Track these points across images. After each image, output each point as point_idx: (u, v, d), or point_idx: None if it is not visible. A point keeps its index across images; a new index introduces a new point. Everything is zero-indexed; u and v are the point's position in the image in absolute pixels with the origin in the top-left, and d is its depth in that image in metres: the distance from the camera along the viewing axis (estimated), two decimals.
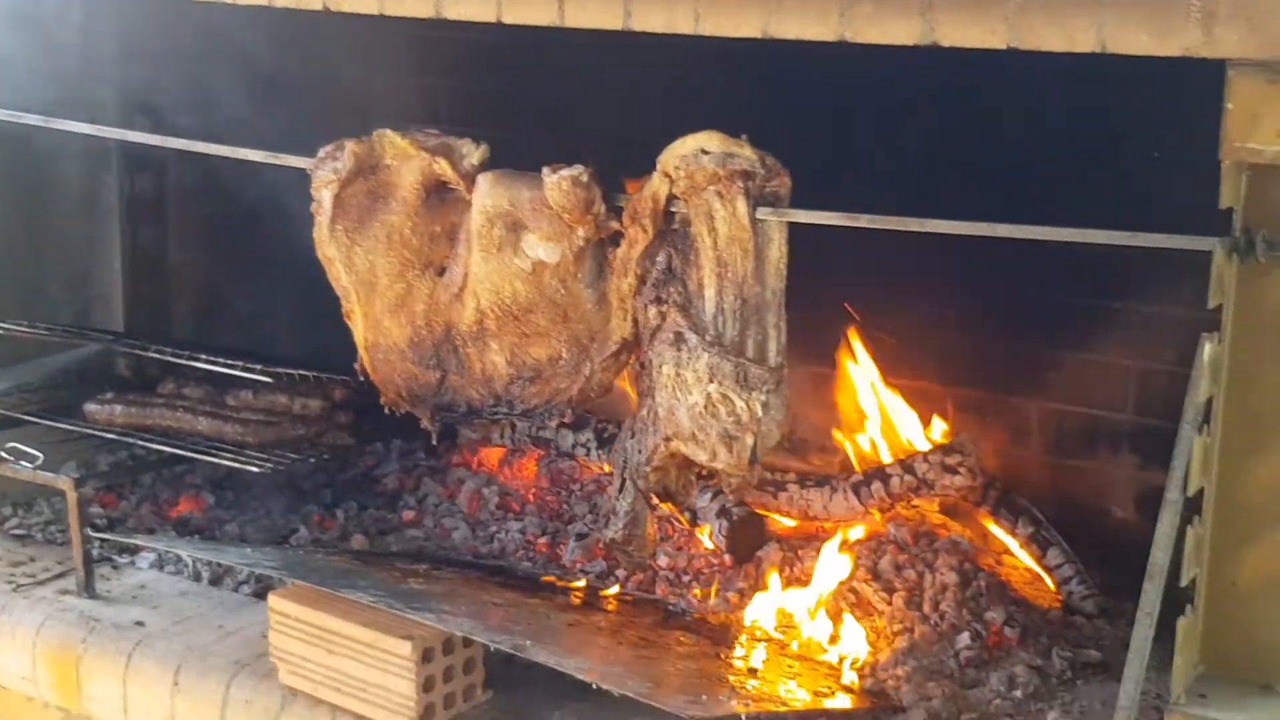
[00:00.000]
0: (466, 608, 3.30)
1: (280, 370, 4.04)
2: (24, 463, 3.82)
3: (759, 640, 3.45)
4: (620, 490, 3.27)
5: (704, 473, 3.24)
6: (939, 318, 3.92)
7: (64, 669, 3.56)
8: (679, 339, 3.05)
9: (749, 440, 3.03)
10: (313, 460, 4.06)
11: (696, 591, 3.70)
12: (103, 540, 3.94)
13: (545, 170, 3.12)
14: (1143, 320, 3.72)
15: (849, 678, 3.31)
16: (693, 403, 3.05)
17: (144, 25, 4.51)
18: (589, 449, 4.27)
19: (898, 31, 2.68)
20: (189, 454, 3.95)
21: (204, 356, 4.09)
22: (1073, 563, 3.70)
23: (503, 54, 4.07)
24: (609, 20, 2.98)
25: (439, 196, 3.31)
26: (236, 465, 3.88)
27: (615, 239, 3.15)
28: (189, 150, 3.68)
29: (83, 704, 3.56)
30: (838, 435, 4.09)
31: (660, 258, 3.08)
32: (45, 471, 3.79)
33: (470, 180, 3.24)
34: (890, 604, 3.55)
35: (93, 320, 4.76)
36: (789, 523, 3.96)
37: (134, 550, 3.97)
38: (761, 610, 3.56)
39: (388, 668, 3.09)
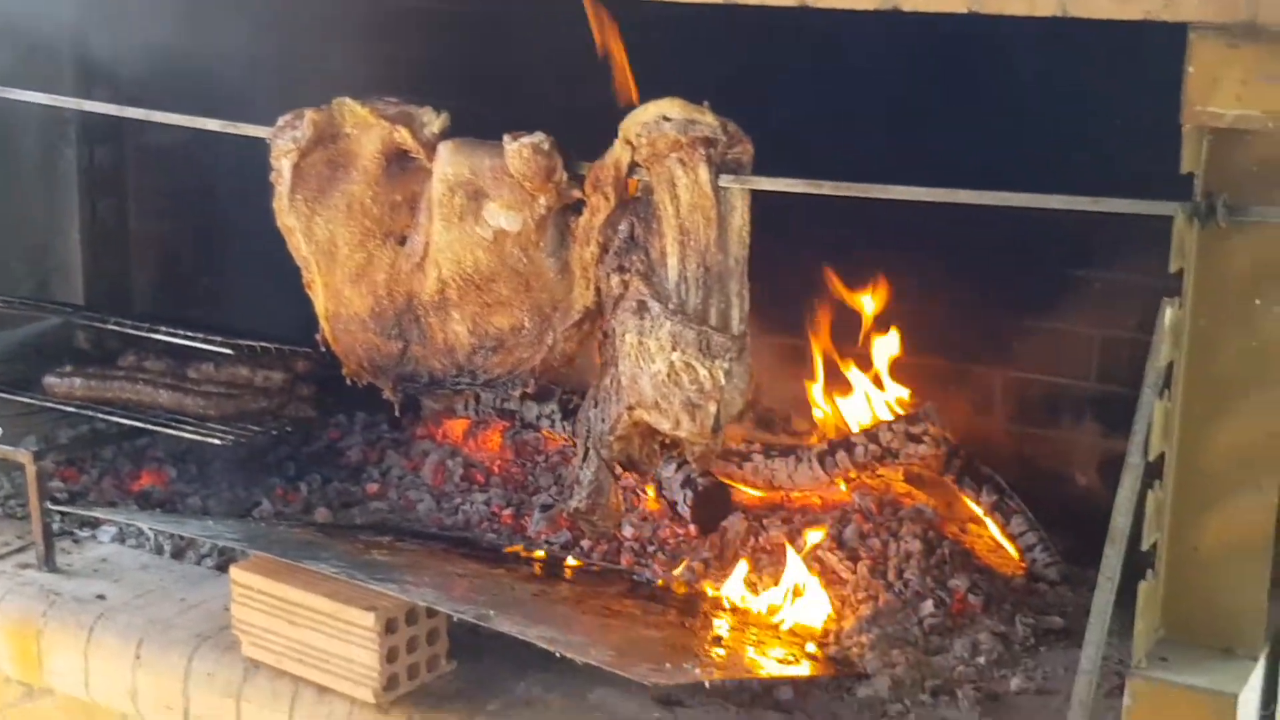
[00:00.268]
0: (430, 579, 3.28)
1: (242, 342, 4.01)
2: None
3: (724, 609, 3.45)
4: (584, 460, 3.26)
5: (667, 442, 3.24)
6: (901, 287, 3.92)
7: (24, 643, 3.53)
8: (642, 307, 3.04)
9: (712, 408, 3.02)
10: (275, 433, 4.04)
11: (685, 567, 3.69)
12: (63, 514, 3.91)
13: (506, 138, 3.10)
14: (1106, 288, 3.73)
15: (813, 646, 3.31)
16: (656, 371, 3.04)
17: None
18: (553, 420, 4.26)
19: None
20: (150, 427, 3.92)
21: (164, 329, 4.05)
22: (1036, 530, 3.71)
23: (456, 21, 4.05)
24: None
25: (400, 165, 3.29)
26: (198, 438, 3.86)
27: (577, 207, 3.13)
28: (148, 120, 3.65)
29: (44, 678, 3.54)
30: (812, 398, 4.08)
31: (622, 226, 3.07)
32: (4, 445, 3.76)
33: (431, 149, 3.22)
34: (855, 572, 3.56)
35: (52, 293, 4.72)
36: (754, 493, 3.96)
37: (95, 524, 3.94)
38: (727, 579, 3.56)
39: (351, 639, 3.08)
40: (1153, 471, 2.57)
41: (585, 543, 3.80)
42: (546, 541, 3.84)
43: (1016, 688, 3.20)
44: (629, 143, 3.01)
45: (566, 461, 4.14)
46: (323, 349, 3.50)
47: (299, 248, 3.37)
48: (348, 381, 3.50)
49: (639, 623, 3.30)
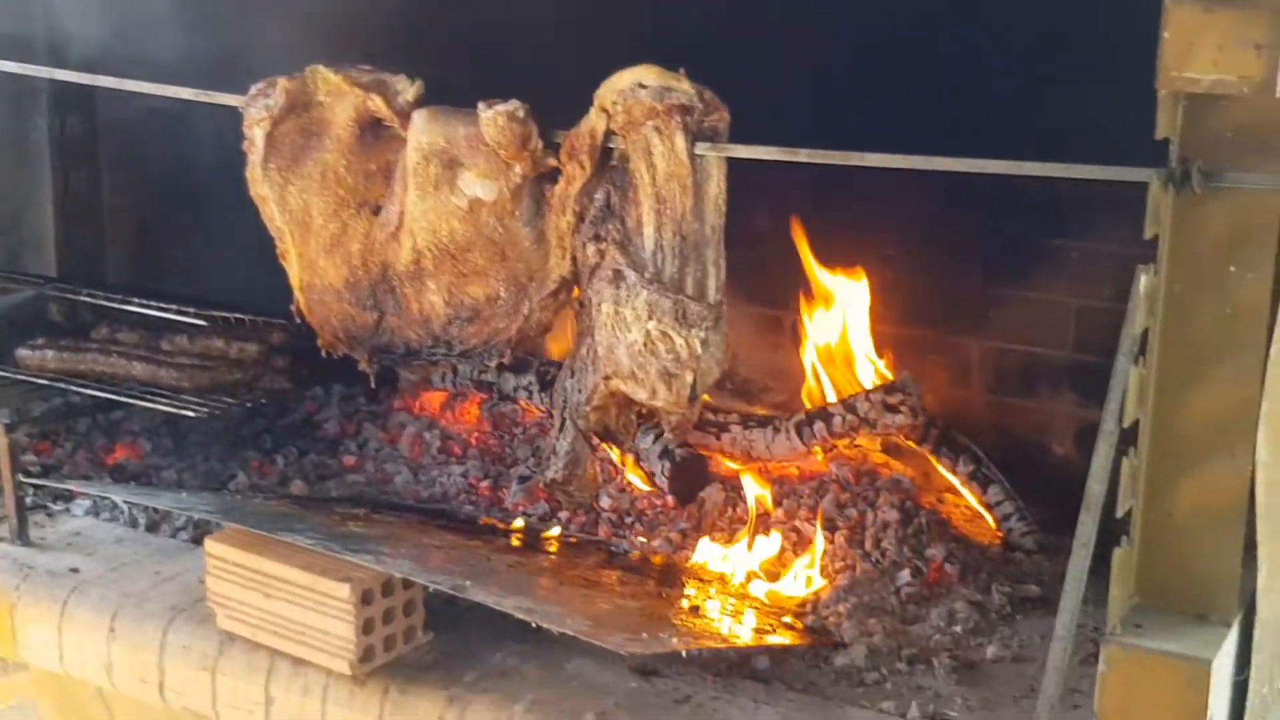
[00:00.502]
0: (406, 550, 3.27)
1: (216, 314, 3.99)
2: None
3: (701, 580, 3.45)
4: (560, 430, 3.25)
5: (644, 412, 3.23)
6: (879, 257, 3.91)
7: None
8: (618, 276, 3.03)
9: (688, 377, 3.02)
10: (250, 405, 4.02)
11: (663, 538, 3.68)
12: (36, 487, 3.89)
13: (481, 106, 3.08)
14: (1082, 257, 3.73)
15: (790, 615, 3.31)
16: (632, 340, 3.04)
17: None
18: (531, 392, 4.26)
19: None
20: (124, 399, 3.90)
21: (138, 301, 4.03)
22: (1013, 500, 3.72)
23: None
24: None
25: (374, 134, 3.28)
26: (172, 410, 3.84)
27: (553, 176, 3.12)
28: (120, 89, 3.62)
29: (18, 651, 3.52)
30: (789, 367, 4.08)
31: (598, 195, 3.06)
32: None
33: (405, 117, 3.21)
34: (832, 542, 3.56)
35: (24, 265, 4.69)
36: (732, 465, 3.96)
37: (69, 497, 3.93)
38: (704, 550, 3.56)
39: (326, 611, 3.06)
40: (1128, 439, 2.56)
41: (563, 514, 3.79)
42: (524, 513, 3.83)
43: (993, 656, 3.21)
44: (605, 110, 2.99)
45: (544, 433, 4.14)
46: (297, 320, 3.49)
47: (273, 218, 3.35)
48: (323, 353, 3.49)
49: (616, 593, 3.30)
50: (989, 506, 3.74)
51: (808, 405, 4.00)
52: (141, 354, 3.98)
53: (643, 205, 3.00)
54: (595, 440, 3.27)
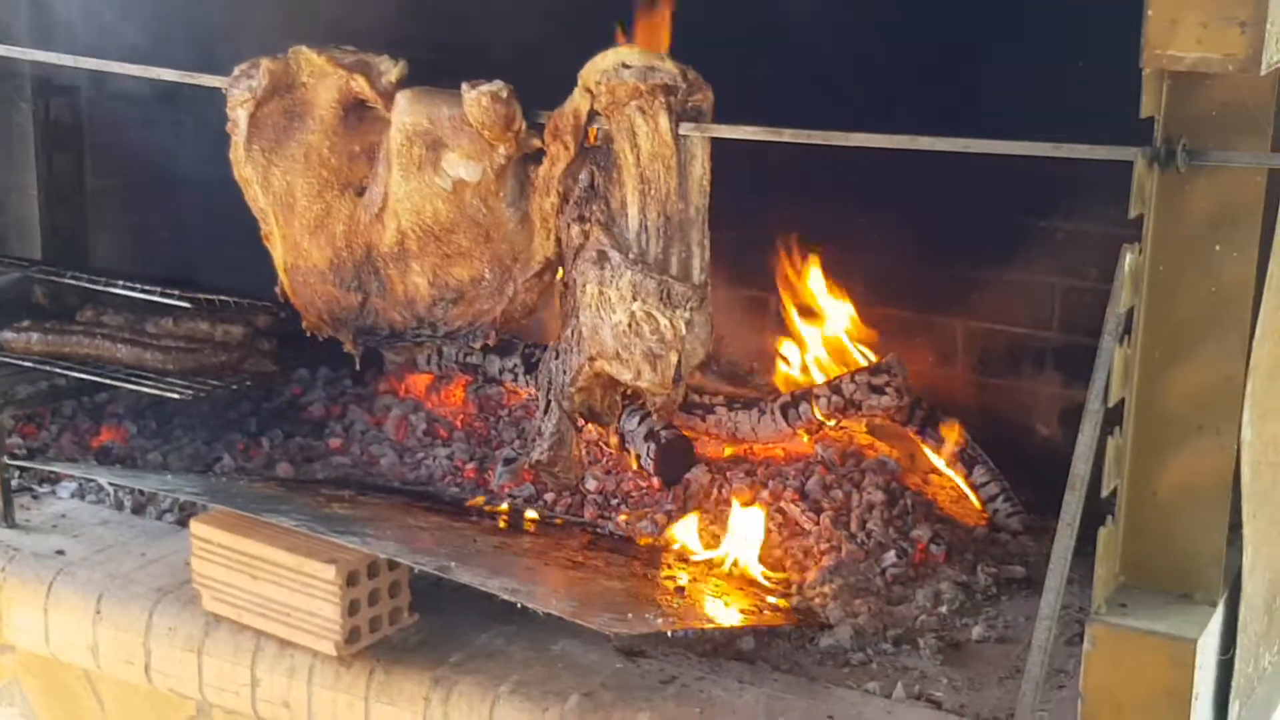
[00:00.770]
0: (392, 532, 3.27)
1: (201, 296, 3.98)
2: None
3: (687, 561, 3.45)
4: (545, 411, 3.25)
5: (629, 393, 3.23)
6: (864, 237, 3.91)
7: None
8: (602, 257, 3.03)
9: (673, 358, 3.01)
10: (235, 387, 4.01)
11: (648, 519, 3.68)
12: (22, 469, 3.89)
13: (464, 86, 3.07)
14: (1067, 238, 3.74)
15: (776, 596, 3.32)
16: (616, 321, 3.03)
17: None
18: (516, 374, 4.26)
19: None
20: (109, 382, 3.89)
21: (122, 283, 4.01)
22: (998, 481, 3.72)
23: None
24: None
25: (357, 115, 3.26)
26: (158, 393, 3.83)
27: (537, 157, 3.11)
28: (103, 71, 3.61)
29: (4, 633, 3.51)
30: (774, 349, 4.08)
31: (583, 175, 3.05)
32: None
33: (389, 98, 3.19)
34: (818, 523, 3.56)
35: (8, 248, 4.66)
36: (720, 446, 3.96)
37: (54, 479, 3.92)
38: (690, 531, 3.55)
39: (312, 592, 3.06)
40: (1112, 418, 2.57)
41: (549, 496, 3.79)
42: (510, 495, 3.83)
43: (978, 636, 3.21)
44: (588, 91, 2.99)
45: (530, 416, 4.14)
46: (282, 302, 3.48)
47: (256, 199, 3.34)
48: (308, 334, 3.48)
49: (601, 574, 3.29)
50: (974, 487, 3.75)
51: (780, 387, 3.99)
52: (126, 336, 3.96)
53: (627, 186, 2.99)
54: (580, 421, 3.27)
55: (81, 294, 4.19)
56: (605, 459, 3.93)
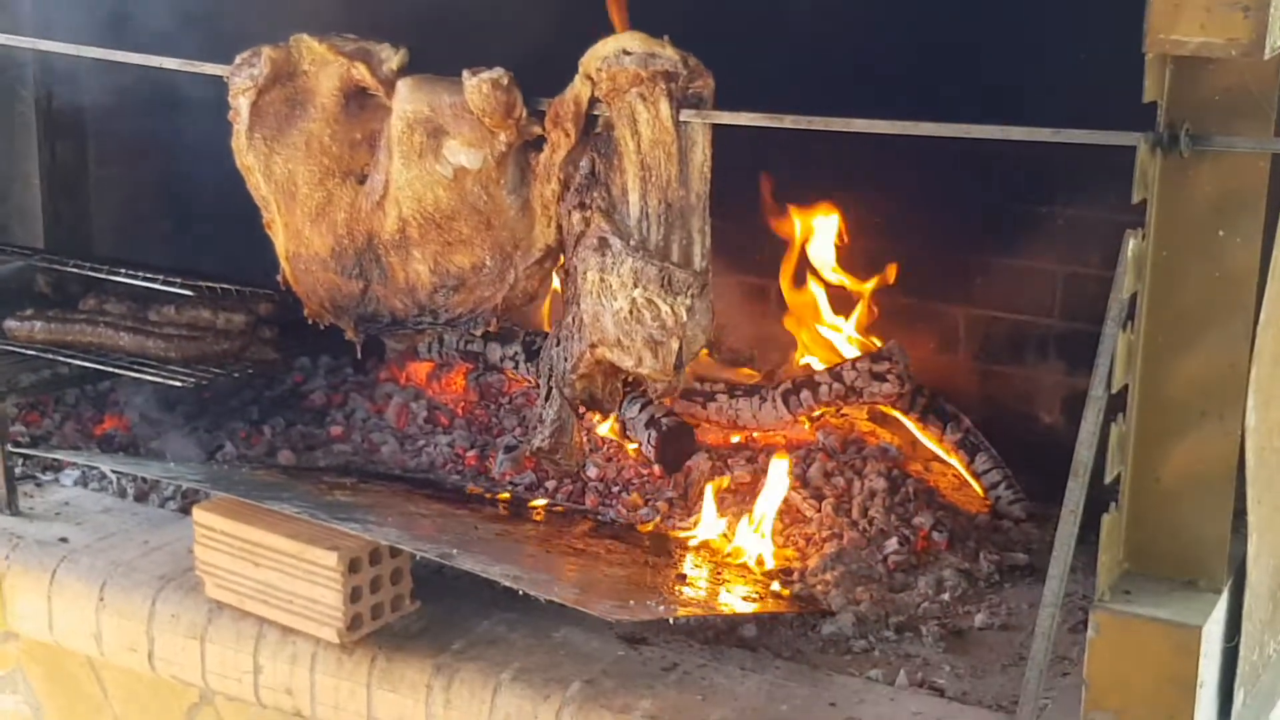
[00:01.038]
0: (393, 518, 3.27)
1: (203, 284, 3.98)
2: None
3: (688, 548, 3.45)
4: (546, 398, 3.24)
5: (630, 380, 3.23)
6: (866, 223, 3.91)
7: None
8: (603, 244, 3.03)
9: (674, 345, 3.01)
10: (236, 375, 4.01)
11: (649, 507, 3.68)
12: (25, 457, 3.89)
13: (465, 74, 3.07)
14: (1069, 224, 3.72)
15: (778, 583, 3.32)
16: (618, 308, 3.03)
17: None
18: (517, 362, 4.25)
19: None
20: (112, 370, 3.89)
21: (125, 271, 4.01)
22: (1000, 468, 3.72)
23: None
24: None
25: (358, 103, 3.26)
26: (160, 381, 3.83)
27: (538, 144, 3.11)
28: (106, 60, 3.60)
29: (7, 621, 3.52)
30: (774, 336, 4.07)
31: (583, 162, 3.05)
32: None
33: (390, 86, 3.19)
34: (819, 511, 3.56)
35: (11, 236, 4.67)
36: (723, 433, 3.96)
37: (57, 467, 3.92)
38: (692, 519, 3.55)
39: (314, 579, 3.06)
40: (1116, 404, 2.56)
41: (550, 483, 3.79)
42: (511, 483, 3.82)
43: (981, 623, 3.21)
44: (589, 78, 2.98)
45: (531, 403, 4.13)
46: (284, 289, 3.48)
47: (258, 187, 3.34)
48: (309, 322, 3.48)
49: (603, 561, 3.30)
50: (976, 474, 3.74)
51: (791, 374, 3.99)
52: (129, 325, 3.96)
53: (628, 173, 2.99)
54: (581, 409, 3.27)
55: (84, 282, 4.19)
56: (606, 446, 3.92)
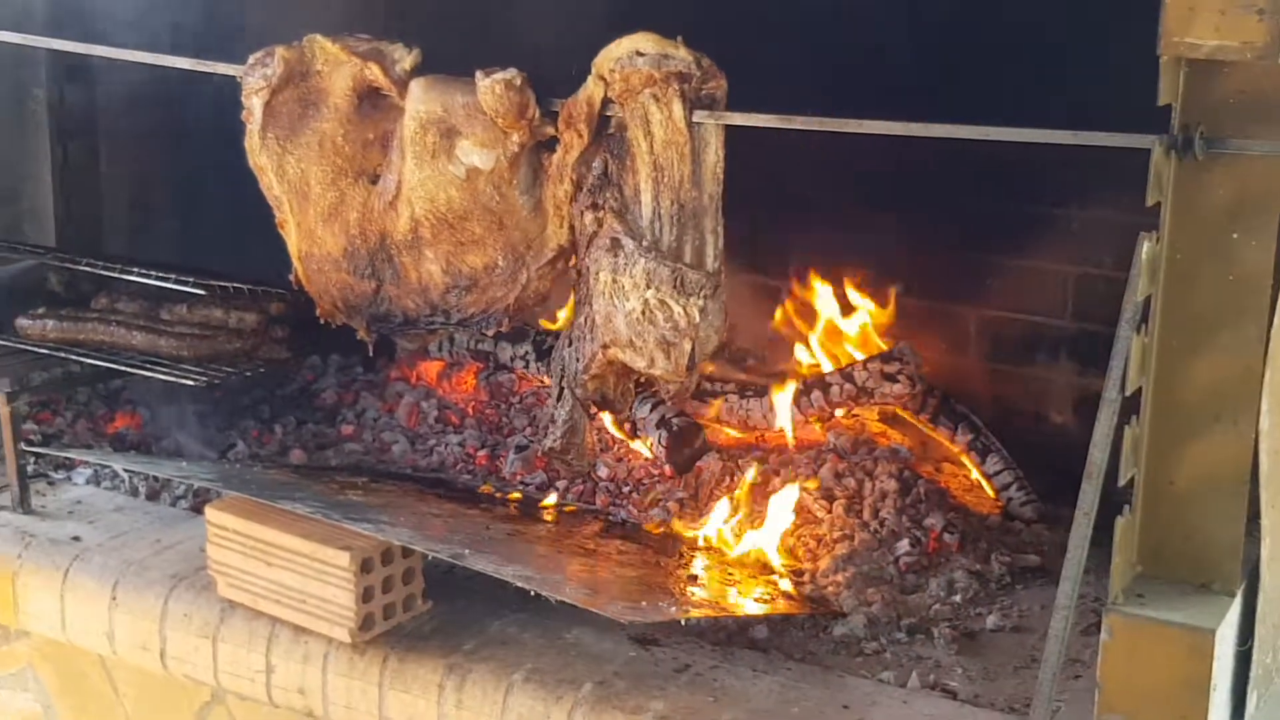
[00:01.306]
0: (405, 519, 3.27)
1: (215, 283, 3.98)
2: None
3: (700, 548, 3.45)
4: (558, 399, 3.25)
5: (642, 380, 3.23)
6: (877, 224, 3.90)
7: (0, 586, 3.52)
8: (616, 245, 3.03)
9: (687, 346, 3.01)
10: (248, 374, 4.01)
11: (660, 507, 3.68)
12: (38, 455, 3.90)
13: (478, 74, 3.07)
14: (1082, 226, 3.72)
15: (789, 584, 3.31)
16: (630, 309, 3.03)
17: None
18: (528, 361, 4.25)
19: None
20: (124, 368, 3.89)
21: (137, 270, 4.02)
22: (1012, 469, 3.71)
23: None
24: None
25: (371, 103, 3.27)
26: (172, 379, 3.83)
27: (550, 144, 3.11)
28: (118, 59, 3.61)
29: (20, 620, 3.53)
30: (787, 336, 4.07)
31: (596, 163, 3.05)
32: None
33: (403, 86, 3.20)
34: (830, 512, 3.56)
35: (24, 235, 4.68)
36: (731, 433, 3.96)
37: (70, 466, 3.94)
38: (703, 519, 3.55)
39: (326, 579, 3.07)
40: (1130, 407, 2.56)
41: (561, 483, 3.79)
42: (522, 482, 3.83)
43: (993, 625, 3.21)
44: (602, 78, 2.98)
45: (541, 403, 4.13)
46: (296, 289, 3.48)
47: (271, 187, 3.35)
48: (321, 322, 3.48)
49: (614, 562, 3.30)
50: (988, 476, 3.74)
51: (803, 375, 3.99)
52: (141, 323, 3.96)
53: (640, 173, 2.99)
54: (593, 409, 3.27)
55: (96, 281, 4.19)
56: (616, 446, 3.92)
